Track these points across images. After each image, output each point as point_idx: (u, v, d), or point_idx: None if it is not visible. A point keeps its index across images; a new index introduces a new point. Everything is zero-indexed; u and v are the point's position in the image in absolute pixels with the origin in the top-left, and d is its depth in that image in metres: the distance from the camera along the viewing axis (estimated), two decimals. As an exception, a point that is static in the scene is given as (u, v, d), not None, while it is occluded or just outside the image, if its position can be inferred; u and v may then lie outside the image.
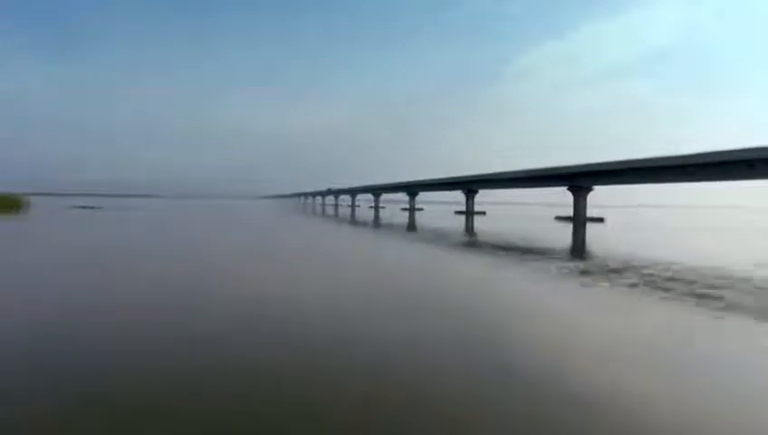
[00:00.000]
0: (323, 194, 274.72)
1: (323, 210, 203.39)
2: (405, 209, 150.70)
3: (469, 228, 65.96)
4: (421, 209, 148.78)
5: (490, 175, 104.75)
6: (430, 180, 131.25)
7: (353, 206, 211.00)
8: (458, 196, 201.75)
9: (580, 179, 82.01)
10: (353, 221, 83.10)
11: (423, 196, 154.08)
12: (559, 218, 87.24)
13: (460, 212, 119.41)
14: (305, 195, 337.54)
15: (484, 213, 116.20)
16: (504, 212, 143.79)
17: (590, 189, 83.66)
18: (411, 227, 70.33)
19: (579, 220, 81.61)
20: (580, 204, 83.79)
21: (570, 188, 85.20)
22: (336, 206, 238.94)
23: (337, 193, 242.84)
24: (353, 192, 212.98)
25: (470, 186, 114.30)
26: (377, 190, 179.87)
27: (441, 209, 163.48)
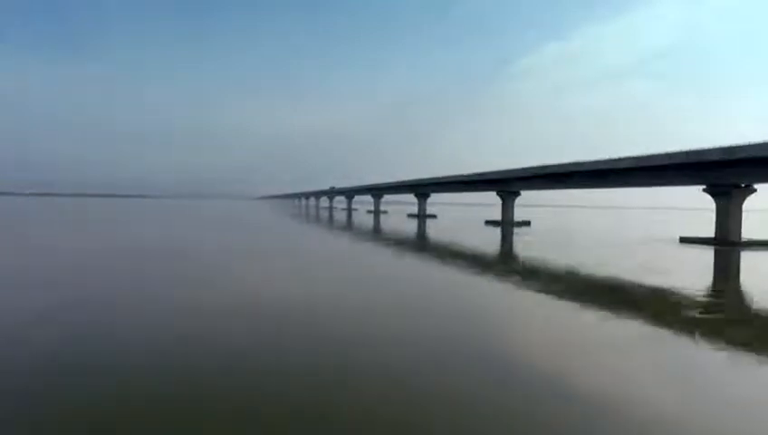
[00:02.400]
0: (317, 195, 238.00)
1: (317, 213, 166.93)
2: (413, 216, 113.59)
3: (515, 255, 29.73)
4: (434, 217, 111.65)
5: (545, 168, 67.71)
6: (447, 178, 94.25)
7: (349, 209, 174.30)
8: (475, 198, 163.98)
9: (738, 172, 45.07)
10: (345, 229, 67.49)
11: (435, 198, 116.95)
12: (687, 241, 49.67)
13: (493, 223, 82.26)
14: (299, 196, 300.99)
15: (527, 223, 79.05)
16: (557, 221, 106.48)
17: (748, 191, 46.80)
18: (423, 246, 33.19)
19: (727, 245, 44.65)
20: (730, 213, 46.78)
21: (710, 189, 48.27)
22: (330, 208, 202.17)
23: (332, 194, 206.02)
24: (350, 193, 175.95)
25: (509, 185, 77.27)
26: (378, 191, 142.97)
27: (461, 217, 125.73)
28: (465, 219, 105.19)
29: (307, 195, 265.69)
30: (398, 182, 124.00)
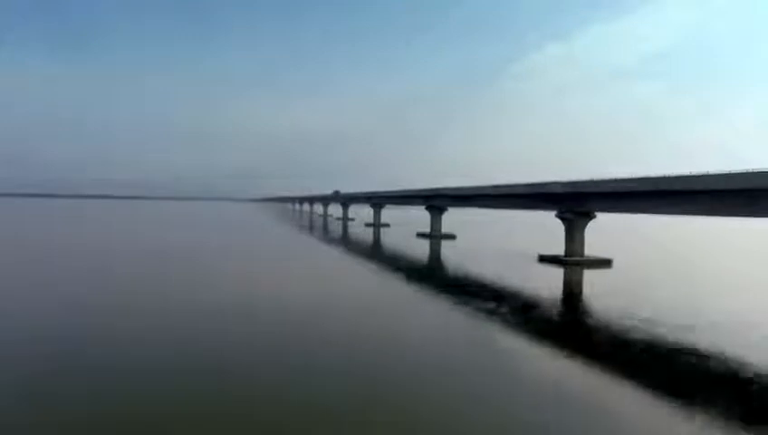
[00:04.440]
0: (311, 200, 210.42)
1: (311, 222, 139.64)
2: (423, 235, 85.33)
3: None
4: (451, 237, 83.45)
5: (651, 181, 39.83)
6: (477, 189, 66.53)
7: (345, 218, 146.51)
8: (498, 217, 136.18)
9: None
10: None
11: (453, 212, 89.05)
12: None
13: (551, 260, 53.54)
14: (293, 200, 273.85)
15: (608, 263, 50.46)
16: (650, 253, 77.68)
17: None
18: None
19: None
20: None
21: None
22: (325, 215, 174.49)
23: (327, 201, 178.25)
24: (347, 200, 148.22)
25: (584, 203, 49.26)
26: (380, 199, 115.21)
27: (489, 238, 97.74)
28: (497, 245, 77.11)
29: (301, 200, 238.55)
30: (404, 191, 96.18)
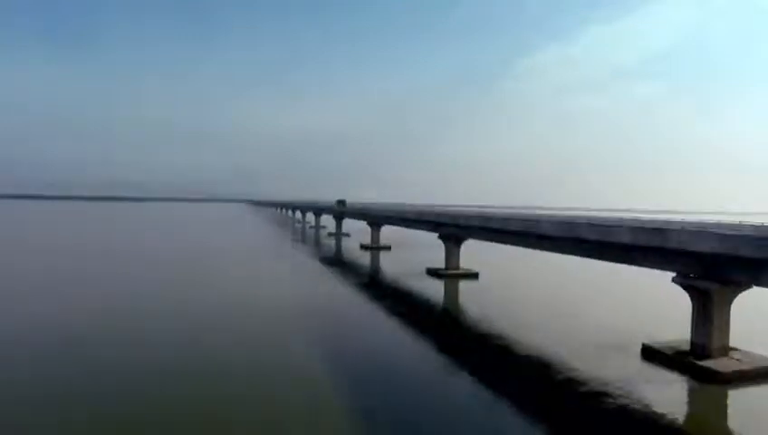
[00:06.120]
0: (303, 209, 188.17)
1: (304, 234, 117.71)
2: (435, 274, 62.14)
3: None
4: (473, 276, 60.52)
5: None
6: (519, 223, 43.85)
7: (339, 234, 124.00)
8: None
9: None
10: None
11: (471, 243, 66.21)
12: None
13: (673, 363, 30.73)
14: (285, 206, 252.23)
15: (735, 351, 28.10)
16: None
17: None
18: None
19: None
20: None
21: None
22: (317, 227, 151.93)
23: (319, 211, 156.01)
24: (341, 215, 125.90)
25: (753, 271, 26.41)
26: (377, 219, 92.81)
27: (526, 277, 74.89)
28: (543, 295, 54.50)
29: (293, 207, 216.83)
30: (405, 212, 73.80)
